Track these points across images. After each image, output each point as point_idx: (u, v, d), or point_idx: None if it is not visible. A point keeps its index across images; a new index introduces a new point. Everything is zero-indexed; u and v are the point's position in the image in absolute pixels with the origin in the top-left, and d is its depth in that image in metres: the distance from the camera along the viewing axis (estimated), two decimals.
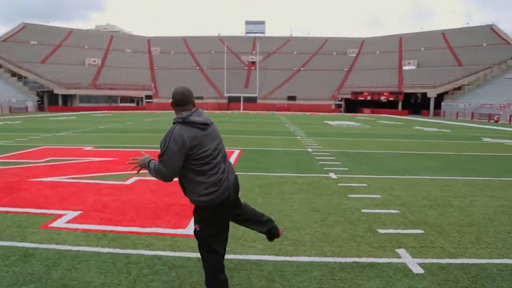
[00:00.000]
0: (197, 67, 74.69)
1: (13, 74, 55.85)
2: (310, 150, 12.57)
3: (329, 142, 15.07)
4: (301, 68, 74.53)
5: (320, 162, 9.98)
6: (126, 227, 4.66)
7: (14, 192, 6.33)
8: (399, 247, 4.17)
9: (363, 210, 5.59)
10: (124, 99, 61.96)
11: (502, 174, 8.87)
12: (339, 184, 7.33)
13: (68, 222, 4.85)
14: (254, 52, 76.66)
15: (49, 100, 55.70)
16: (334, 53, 78.32)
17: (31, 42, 66.18)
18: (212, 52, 78.71)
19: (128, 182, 7.18)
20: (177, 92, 2.74)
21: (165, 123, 26.70)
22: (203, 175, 2.67)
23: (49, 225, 4.71)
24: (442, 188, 7.15)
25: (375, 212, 5.51)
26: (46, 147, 12.49)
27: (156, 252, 3.97)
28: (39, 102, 53.66)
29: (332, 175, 8.21)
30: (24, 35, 67.76)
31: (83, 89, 57.47)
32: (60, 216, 5.09)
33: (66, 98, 57.40)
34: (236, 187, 2.93)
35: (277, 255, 3.97)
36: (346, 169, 9.07)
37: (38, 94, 54.47)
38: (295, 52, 79.60)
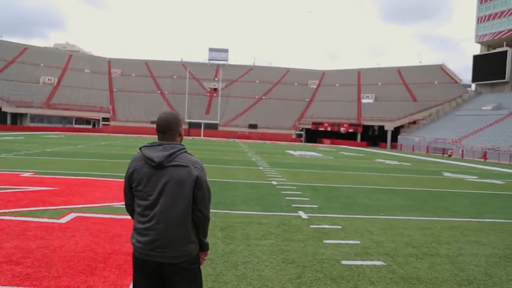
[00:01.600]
0: (158, 91, 73.19)
1: None
2: (274, 182, 11.77)
3: (294, 174, 14.38)
4: (263, 97, 74.95)
5: (287, 198, 9.16)
6: None
7: None
8: None
9: (343, 262, 4.77)
10: (79, 120, 59.08)
11: (475, 214, 8.44)
12: (311, 226, 6.51)
13: None
14: (216, 79, 76.44)
15: None
16: (296, 84, 79.63)
17: None
18: (174, 77, 77.69)
19: (64, 220, 5.99)
20: (160, 117, 2.38)
21: (121, 148, 25.11)
22: (137, 215, 2.29)
23: None
24: (422, 232, 6.51)
25: (358, 265, 4.70)
26: None
27: None
28: None
29: (302, 214, 7.39)
30: None
31: (36, 108, 54.28)
32: None
33: (16, 117, 53.89)
34: (176, 258, 2.22)
35: None
36: (316, 206, 8.31)
37: None
38: (257, 81, 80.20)
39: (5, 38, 73.91)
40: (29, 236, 5.12)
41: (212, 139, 54.43)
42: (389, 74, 75.35)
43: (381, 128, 60.01)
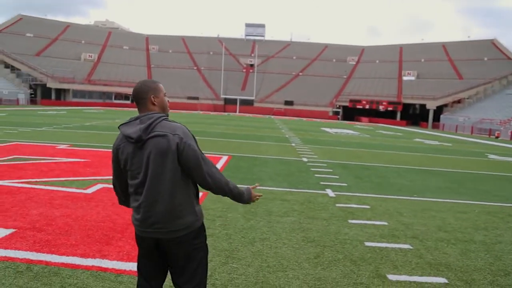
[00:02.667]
0: (195, 67, 73.62)
1: (6, 65, 54.47)
2: (305, 159, 11.53)
3: (327, 152, 14.04)
4: (300, 73, 73.66)
5: (316, 175, 8.93)
6: (62, 257, 3.58)
7: None
8: None
9: (367, 244, 4.54)
10: (118, 95, 60.69)
11: None
12: (337, 205, 6.27)
13: None
14: (252, 55, 75.75)
15: (42, 93, 54.41)
16: (334, 60, 77.52)
17: (27, 35, 64.89)
18: (211, 53, 77.69)
19: (90, 190, 6.10)
20: (135, 86, 2.20)
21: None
22: (132, 195, 2.17)
23: None
24: (458, 216, 6.11)
25: (382, 247, 4.45)
26: (17, 143, 11.36)
27: None
28: (32, 95, 52.35)
29: (329, 192, 7.16)
30: (20, 27, 66.45)
31: (77, 84, 56.22)
32: None
33: (60, 93, 56.13)
34: (171, 232, 2.08)
35: None
36: (345, 185, 8.03)
37: (31, 87, 53.15)
38: (294, 57, 78.75)
39: (48, 17, 76.36)
40: (55, 204, 5.24)
41: (247, 115, 54.42)
42: (433, 50, 71.62)
43: (422, 106, 57.57)
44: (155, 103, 2.10)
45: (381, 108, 57.86)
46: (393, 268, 3.88)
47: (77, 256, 3.61)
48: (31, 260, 3.48)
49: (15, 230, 4.20)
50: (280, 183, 7.74)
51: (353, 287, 3.41)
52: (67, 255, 3.62)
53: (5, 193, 5.68)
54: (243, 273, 3.51)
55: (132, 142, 2.01)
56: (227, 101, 63.48)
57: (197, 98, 61.08)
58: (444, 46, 72.74)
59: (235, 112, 61.11)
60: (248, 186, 2.22)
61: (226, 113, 56.93)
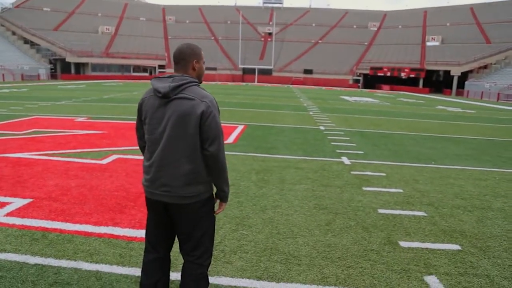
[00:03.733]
0: (212, 37, 72.74)
1: (26, 41, 55.02)
2: (322, 128, 11.38)
3: (344, 120, 13.81)
4: (319, 41, 71.90)
5: (332, 143, 8.81)
6: (75, 225, 3.66)
7: None
8: (429, 273, 3.07)
9: (380, 211, 4.48)
10: (136, 68, 60.87)
11: None
12: (352, 172, 6.19)
13: (8, 214, 3.88)
14: (271, 23, 74.15)
15: (61, 68, 55.00)
16: (354, 26, 75.17)
17: (44, 9, 65.02)
18: (228, 22, 76.42)
19: (105, 161, 6.19)
20: (178, 46, 2.18)
21: None
22: (145, 152, 2.19)
23: None
24: (476, 183, 5.95)
25: (396, 214, 4.39)
26: (37, 117, 11.59)
27: (98, 266, 2.96)
28: (52, 70, 53.02)
29: (345, 160, 7.06)
30: (37, 2, 66.53)
31: (96, 57, 56.47)
32: (3, 205, 4.13)
33: (79, 66, 56.62)
34: (179, 197, 2.07)
35: (259, 278, 2.91)
36: (362, 152, 7.91)
37: (51, 62, 53.75)
38: (313, 24, 76.71)
39: None
40: (70, 175, 5.34)
41: (266, 85, 53.90)
42: (460, 13, 68.40)
43: (446, 73, 55.59)
44: (195, 68, 2.10)
45: (403, 75, 56.22)
46: (405, 235, 3.82)
47: (90, 224, 3.69)
48: (46, 228, 3.57)
49: (32, 200, 4.31)
50: (295, 151, 7.68)
51: (363, 253, 3.38)
52: (81, 223, 3.70)
53: (24, 165, 5.82)
54: (253, 240, 3.53)
55: (159, 97, 2.01)
56: (245, 71, 62.86)
57: (215, 69, 60.66)
58: (472, 8, 69.32)
59: (254, 82, 60.59)
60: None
61: (244, 83, 56.52)
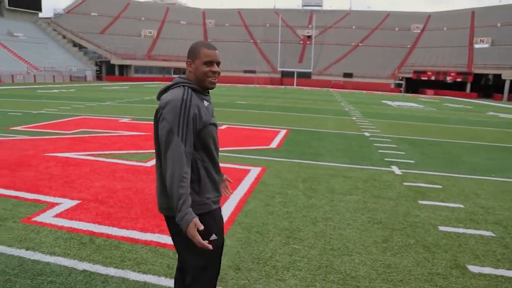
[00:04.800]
0: (251, 40, 73.05)
1: (75, 44, 57.55)
2: (367, 134, 10.96)
3: (390, 126, 13.27)
4: (360, 44, 70.44)
5: (379, 151, 8.41)
6: (122, 230, 3.58)
7: (20, 169, 5.51)
8: None
9: (441, 228, 4.11)
10: (177, 70, 62.10)
11: None
12: (405, 184, 5.81)
13: (57, 215, 3.86)
14: (310, 26, 73.49)
15: (106, 70, 57.06)
16: (396, 29, 73.07)
17: (92, 14, 67.80)
18: (267, 25, 76.49)
19: (150, 163, 6.15)
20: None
21: (214, 96, 25.81)
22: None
23: (32, 219, 3.75)
24: None
25: (459, 233, 4.01)
26: (84, 117, 11.91)
27: (146, 277, 2.83)
28: (98, 72, 55.12)
29: (395, 170, 6.68)
30: (86, 7, 69.50)
31: (138, 60, 58.19)
32: (53, 205, 4.13)
33: (122, 68, 58.51)
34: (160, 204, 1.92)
35: None
36: (412, 162, 7.47)
37: (96, 64, 55.91)
38: (353, 27, 75.29)
39: None
40: (116, 177, 5.33)
41: (304, 88, 53.41)
42: None
43: (496, 77, 52.76)
44: (190, 69, 1.86)
45: (448, 79, 53.94)
46: (473, 258, 3.46)
47: (136, 230, 3.59)
48: (94, 232, 3.51)
49: (80, 201, 4.30)
50: (340, 159, 7.36)
51: (428, 277, 3.06)
52: (127, 229, 3.61)
53: (72, 164, 5.89)
54: (306, 256, 3.30)
55: None
56: (284, 74, 62.59)
57: (253, 72, 60.86)
58: None
59: (292, 85, 60.23)
60: (196, 217, 1.65)
61: (283, 86, 56.28)
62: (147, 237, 3.44)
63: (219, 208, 1.93)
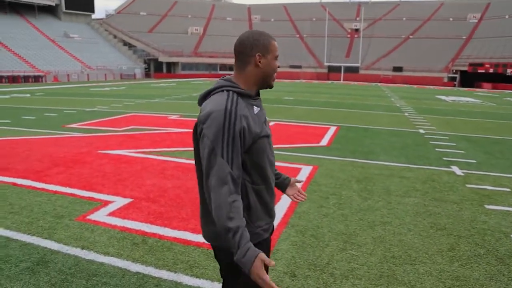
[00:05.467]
0: (297, 35, 72.33)
1: (125, 43, 59.82)
2: (422, 131, 10.39)
3: (446, 122, 12.52)
4: (410, 36, 67.58)
5: (436, 149, 7.91)
6: (173, 230, 3.54)
7: (76, 167, 5.69)
8: None
9: None
10: (223, 67, 62.83)
11: None
12: (468, 186, 5.39)
13: (110, 214, 3.90)
14: (358, 19, 71.49)
15: (154, 67, 58.84)
16: (451, 19, 69.29)
17: (141, 13, 70.12)
18: (313, 19, 75.35)
19: None
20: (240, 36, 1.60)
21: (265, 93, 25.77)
22: None
23: (87, 217, 3.81)
24: None
25: None
26: (135, 114, 12.24)
27: (199, 281, 2.75)
28: (146, 69, 56.98)
29: (456, 170, 6.22)
30: (135, 7, 71.99)
31: (185, 57, 59.43)
32: (107, 203, 4.19)
33: (170, 66, 60.06)
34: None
35: None
36: (474, 161, 6.94)
37: (145, 62, 57.80)
38: (404, 18, 72.32)
39: None
40: (167, 175, 5.35)
41: (352, 83, 52.12)
42: None
43: None
44: (259, 65, 1.51)
45: (509, 72, 50.44)
46: None
47: (188, 231, 3.54)
48: (146, 232, 3.50)
49: (132, 200, 4.33)
50: (396, 158, 6.99)
51: None
52: (179, 229, 3.57)
53: (124, 162, 6.00)
54: (365, 263, 3.08)
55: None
56: (331, 69, 61.42)
57: (299, 67, 60.26)
58: None
59: (339, 80, 58.97)
60: (261, 252, 1.34)
61: (329, 81, 55.29)
62: (199, 239, 3.37)
63: (270, 236, 1.64)
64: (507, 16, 64.65)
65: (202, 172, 1.46)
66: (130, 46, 59.35)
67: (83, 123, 10.12)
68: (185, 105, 15.53)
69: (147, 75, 56.04)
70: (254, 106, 1.52)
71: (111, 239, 3.37)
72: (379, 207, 4.37)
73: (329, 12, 68.98)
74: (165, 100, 17.64)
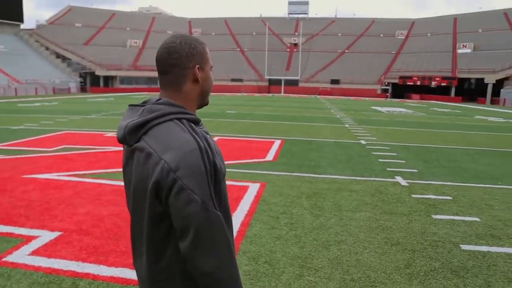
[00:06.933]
0: (238, 49, 72.95)
1: (58, 55, 56.55)
2: (363, 142, 10.63)
3: (385, 133, 12.98)
4: (346, 51, 70.91)
5: (380, 160, 8.06)
6: (110, 268, 3.11)
7: None
8: None
9: (464, 247, 3.74)
10: None
11: None
12: (414, 196, 5.46)
13: (33, 252, 3.36)
14: (296, 33, 73.77)
15: (91, 81, 56.15)
16: (381, 35, 73.80)
17: (76, 25, 66.88)
18: (254, 33, 76.54)
19: None
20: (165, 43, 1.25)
21: (206, 107, 25.34)
22: None
23: (3, 259, 3.24)
24: None
25: (484, 252, 3.65)
26: (67, 132, 11.34)
27: None
28: (82, 83, 54.18)
29: (401, 180, 6.32)
30: (70, 18, 68.60)
31: (124, 70, 57.42)
32: (30, 239, 3.63)
33: (108, 80, 57.66)
34: None
35: None
36: (415, 171, 7.13)
37: (81, 76, 54.98)
38: (339, 34, 75.82)
39: (95, 6, 78.14)
40: (103, 201, 4.84)
41: (292, 95, 53.28)
42: (493, 18, 66.03)
43: (479, 81, 53.47)
44: (198, 79, 1.19)
45: (433, 84, 54.44)
46: (508, 283, 3.09)
47: (128, 268, 3.12)
48: (77, 273, 3.03)
49: (61, 233, 3.81)
50: (342, 170, 6.98)
51: None
52: (117, 266, 3.14)
53: (53, 188, 5.38)
54: None
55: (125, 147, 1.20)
56: (272, 82, 62.48)
57: (241, 80, 60.60)
58: (505, 13, 66.85)
59: (280, 93, 60.10)
60: None
61: (270, 94, 56.10)
62: None
63: None
64: (429, 34, 70.21)
65: (149, 225, 1.11)
66: (64, 58, 56.22)
67: (6, 143, 9.13)
68: None
69: (83, 89, 53.26)
70: (207, 134, 1.17)
71: (33, 285, 2.86)
72: (331, 224, 4.23)
73: (269, 27, 70.48)
74: (102, 116, 16.67)
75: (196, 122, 1.16)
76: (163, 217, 1.09)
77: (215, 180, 1.09)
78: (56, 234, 3.76)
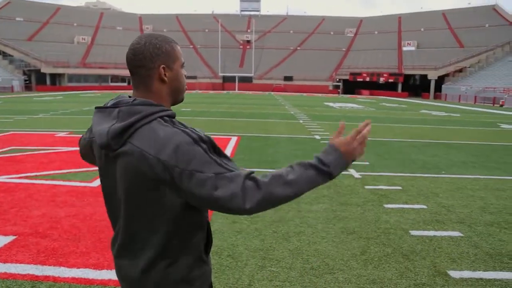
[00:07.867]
0: (191, 46, 72.09)
1: None
2: (318, 137, 10.98)
3: (337, 128, 13.41)
4: (298, 48, 72.26)
5: None
6: (71, 269, 3.06)
7: None
8: None
9: (412, 232, 4.04)
10: (114, 78, 59.51)
11: None
12: (367, 187, 5.76)
13: None
14: (249, 30, 74.08)
15: (36, 79, 53.16)
16: (332, 33, 75.92)
17: (17, 19, 62.92)
18: (206, 30, 75.97)
19: (96, 183, 5.55)
20: (133, 44, 1.21)
21: None
22: None
23: None
24: (497, 194, 5.61)
25: (430, 236, 3.96)
26: (14, 132, 10.76)
27: None
28: (27, 82, 51.15)
29: (354, 173, 6.63)
30: (9, 11, 64.38)
31: (72, 68, 54.94)
32: None
33: (55, 77, 54.89)
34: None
35: None
36: (367, 163, 7.50)
37: (25, 73, 51.85)
38: (291, 31, 77.09)
39: (38, 0, 73.88)
40: (58, 202, 4.71)
41: (247, 92, 53.53)
42: (433, 18, 69.98)
43: (423, 77, 56.60)
44: (165, 79, 1.19)
45: (381, 80, 56.87)
46: (451, 262, 3.38)
47: (89, 268, 3.09)
48: (36, 276, 2.96)
49: (15, 237, 3.67)
50: None
51: None
52: (78, 267, 3.10)
53: (3, 191, 5.14)
54: (286, 279, 3.01)
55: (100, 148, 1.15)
56: (226, 79, 62.42)
57: (195, 77, 59.98)
58: (444, 14, 71.05)
59: (234, 89, 60.17)
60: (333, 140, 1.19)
61: (225, 91, 56.02)
62: (103, 276, 2.96)
63: None
64: (376, 32, 73.10)
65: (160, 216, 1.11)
66: (5, 55, 52.79)
67: None
68: (75, 120, 14.19)
69: (27, 87, 50.33)
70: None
71: None
72: (291, 217, 4.39)
73: (221, 24, 70.20)
74: (51, 116, 15.93)
75: (174, 116, 1.21)
76: (168, 205, 1.10)
77: (216, 149, 1.11)
78: (10, 238, 3.62)
